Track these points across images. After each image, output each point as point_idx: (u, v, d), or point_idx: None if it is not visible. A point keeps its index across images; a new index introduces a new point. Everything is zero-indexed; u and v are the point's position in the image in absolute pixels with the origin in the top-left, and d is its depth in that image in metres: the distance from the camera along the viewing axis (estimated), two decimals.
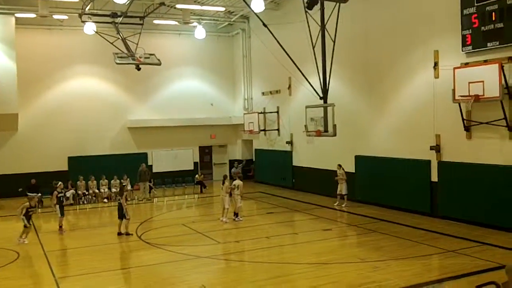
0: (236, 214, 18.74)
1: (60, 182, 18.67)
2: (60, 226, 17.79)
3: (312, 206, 21.44)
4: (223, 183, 18.77)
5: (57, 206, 17.84)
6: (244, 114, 29.59)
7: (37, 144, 26.94)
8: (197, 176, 27.67)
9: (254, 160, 30.58)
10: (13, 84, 24.90)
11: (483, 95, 14.98)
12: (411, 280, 11.15)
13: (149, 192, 25.55)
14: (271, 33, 19.03)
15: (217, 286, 11.63)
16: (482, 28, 15.63)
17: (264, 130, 28.23)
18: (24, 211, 16.12)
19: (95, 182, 24.97)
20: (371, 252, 13.88)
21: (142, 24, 24.24)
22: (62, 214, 17.85)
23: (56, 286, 11.72)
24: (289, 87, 26.17)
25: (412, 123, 18.73)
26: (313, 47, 18.45)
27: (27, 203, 16.34)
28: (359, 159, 21.46)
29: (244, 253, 14.58)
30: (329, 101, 18.51)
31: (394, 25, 19.46)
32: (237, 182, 18.83)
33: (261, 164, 29.52)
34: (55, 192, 17.93)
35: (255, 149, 30.35)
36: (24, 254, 14.95)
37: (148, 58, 23.53)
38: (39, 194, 23.07)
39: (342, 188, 20.84)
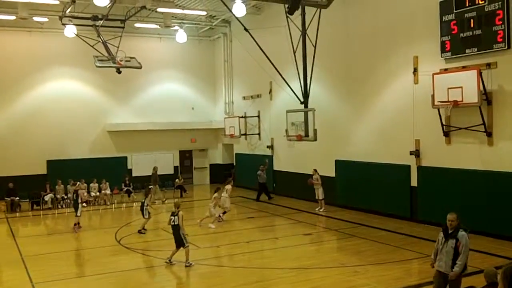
0: (224, 213, 19.47)
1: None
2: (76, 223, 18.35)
3: (293, 211, 21.46)
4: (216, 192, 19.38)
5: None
6: (225, 118, 29.54)
7: (16, 147, 26.51)
8: (177, 180, 27.52)
9: (234, 164, 30.52)
10: None
11: (462, 100, 15.13)
12: (391, 284, 11.22)
13: (129, 197, 25.41)
14: (252, 37, 19.04)
15: None
16: (461, 34, 15.82)
17: (245, 134, 28.23)
18: None
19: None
20: (351, 256, 13.93)
21: (123, 27, 24.07)
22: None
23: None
24: (270, 91, 26.21)
25: (392, 128, 18.87)
26: (294, 52, 18.52)
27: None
28: (339, 164, 21.56)
29: (224, 258, 14.54)
30: (310, 106, 18.57)
31: (374, 31, 19.62)
32: (229, 186, 19.91)
33: (241, 168, 29.47)
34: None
35: (236, 153, 30.31)
36: (1, 258, 14.69)
37: (129, 61, 23.37)
38: (17, 198, 22.80)
39: (318, 193, 20.98)
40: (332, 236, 16.96)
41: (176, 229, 13.25)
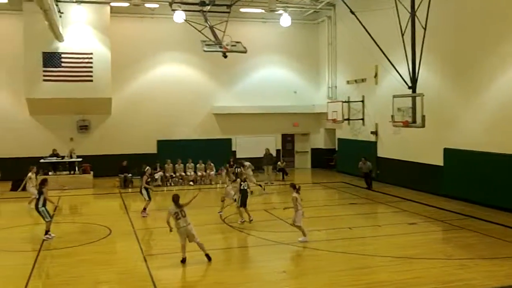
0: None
1: (148, 167, 19.14)
2: (144, 209, 18.23)
3: (396, 199, 20.95)
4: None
5: (145, 190, 18.31)
6: (328, 102, 29.31)
7: (129, 127, 28.28)
8: (279, 163, 27.84)
9: (336, 149, 30.28)
10: (107, 70, 26.34)
11: None
12: (501, 281, 10.64)
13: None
14: (358, 20, 18.71)
15: (297, 273, 11.74)
16: None
17: (348, 119, 27.85)
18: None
19: (182, 165, 25.87)
20: (458, 249, 13.39)
21: (229, 12, 24.57)
22: (150, 198, 18.34)
23: (145, 262, 12.30)
24: (376, 75, 25.59)
25: (508, 116, 17.72)
26: (402, 35, 17.93)
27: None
28: (448, 152, 20.65)
29: (325, 242, 14.52)
30: (417, 91, 17.96)
31: (488, 12, 18.45)
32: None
33: (344, 154, 29.17)
34: (145, 177, 18.41)
35: (338, 139, 30.04)
36: (116, 231, 15.77)
37: (235, 46, 23.80)
38: (130, 175, 24.32)
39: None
40: (438, 227, 16.37)
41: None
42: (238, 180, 17.12)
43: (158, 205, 20.09)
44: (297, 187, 14.39)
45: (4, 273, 12.00)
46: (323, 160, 31.33)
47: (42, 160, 24.81)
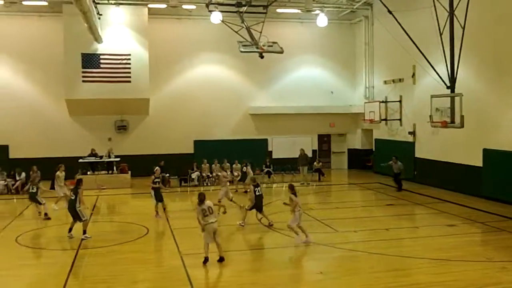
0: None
1: (157, 168, 19.09)
2: (156, 212, 18.06)
3: (435, 200, 20.61)
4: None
5: (152, 191, 18.07)
6: (365, 103, 29.04)
7: (166, 127, 28.65)
8: (315, 163, 27.74)
9: (374, 150, 29.96)
10: (145, 71, 26.73)
11: None
12: None
13: (269, 177, 26.23)
14: (395, 19, 18.48)
15: (335, 274, 11.65)
16: None
17: (386, 119, 27.53)
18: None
19: (218, 165, 26.03)
20: (499, 251, 13.09)
21: (265, 13, 24.58)
22: (157, 199, 17.97)
23: (181, 261, 12.44)
24: (413, 75, 25.20)
25: None
26: (441, 34, 17.63)
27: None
28: (487, 153, 20.18)
29: (362, 243, 14.39)
30: (456, 91, 17.62)
31: None
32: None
33: (381, 154, 28.83)
34: (152, 177, 18.25)
35: (375, 139, 29.72)
36: (153, 230, 16.00)
37: (271, 46, 23.81)
38: (167, 175, 24.65)
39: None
40: (478, 229, 16.01)
41: None
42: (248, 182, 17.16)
43: (195, 205, 20.24)
44: (295, 188, 14.39)
45: (44, 270, 12.33)
46: (360, 160, 31.05)
47: (81, 160, 25.39)
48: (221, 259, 12.21)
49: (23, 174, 24.11)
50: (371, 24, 29.56)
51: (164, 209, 18.09)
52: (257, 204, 16.06)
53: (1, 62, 27.32)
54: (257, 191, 16.13)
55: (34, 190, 18.06)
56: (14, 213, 19.25)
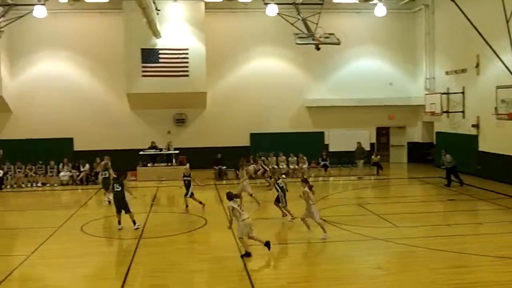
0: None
1: (187, 164, 19.62)
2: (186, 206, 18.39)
3: (500, 196, 19.78)
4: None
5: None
6: (425, 94, 28.21)
7: (223, 120, 28.93)
8: (373, 157, 27.27)
9: (435, 143, 29.12)
10: (202, 65, 27.07)
11: None
12: None
13: (325, 171, 26.00)
14: (458, 7, 17.84)
15: (394, 269, 11.43)
16: None
17: (447, 112, 26.66)
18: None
19: (274, 158, 26.05)
20: None
21: (322, 4, 24.35)
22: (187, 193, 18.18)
23: (239, 253, 12.51)
24: (477, 65, 24.24)
25: None
26: (507, 21, 16.89)
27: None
28: None
29: (422, 239, 13.96)
30: None
31: None
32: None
33: (442, 147, 27.95)
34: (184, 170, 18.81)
35: (437, 132, 28.87)
36: (211, 221, 16.19)
37: (328, 37, 23.58)
38: (224, 167, 24.93)
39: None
40: None
41: None
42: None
43: (252, 197, 20.36)
44: (309, 182, 14.28)
45: (108, 258, 12.76)
46: (420, 154, 30.25)
47: (141, 153, 26.07)
48: (247, 255, 12.19)
49: (87, 166, 24.99)
50: (431, 12, 28.66)
51: (201, 203, 18.19)
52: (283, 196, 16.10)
53: (65, 58, 28.34)
54: (279, 183, 16.19)
55: (107, 175, 19.08)
56: (79, 202, 19.95)
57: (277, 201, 16.34)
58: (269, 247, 12.31)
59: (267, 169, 24.12)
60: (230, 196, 12.57)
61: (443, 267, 11.30)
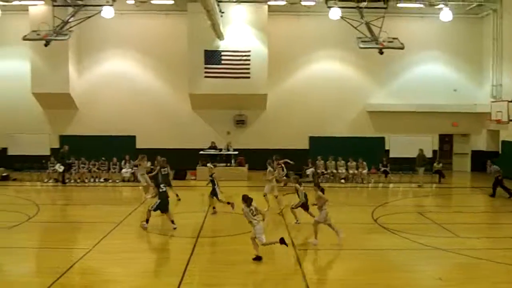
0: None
1: (210, 165, 19.40)
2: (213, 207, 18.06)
3: None
4: None
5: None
6: (491, 102, 27.31)
7: (282, 122, 29.04)
8: (435, 164, 26.56)
9: (500, 152, 28.06)
10: (264, 67, 27.29)
11: None
12: None
13: (385, 177, 25.60)
14: None
15: (455, 281, 11.10)
16: None
17: None
18: None
19: (333, 162, 25.88)
20: None
21: (386, 8, 24.01)
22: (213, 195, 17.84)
23: (296, 256, 12.58)
24: None
25: None
26: None
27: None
28: None
29: (485, 251, 13.47)
30: None
31: None
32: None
33: (508, 157, 26.95)
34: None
35: (503, 141, 27.82)
36: (268, 222, 16.22)
37: (392, 42, 23.29)
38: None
39: None
40: None
41: None
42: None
43: (311, 201, 20.23)
44: (321, 187, 14.14)
45: (166, 255, 13.07)
46: (484, 163, 29.18)
47: (201, 152, 26.50)
48: (257, 258, 12.21)
49: (149, 163, 25.58)
50: (500, 17, 27.69)
51: (230, 203, 17.90)
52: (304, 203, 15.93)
53: (130, 58, 29.26)
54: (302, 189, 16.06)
55: (166, 172, 19.86)
56: (139, 199, 20.51)
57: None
58: (285, 243, 12.34)
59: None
60: (246, 199, 12.65)
61: (507, 281, 10.92)
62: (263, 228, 12.34)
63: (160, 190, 15.68)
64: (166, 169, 20.34)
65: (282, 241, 12.28)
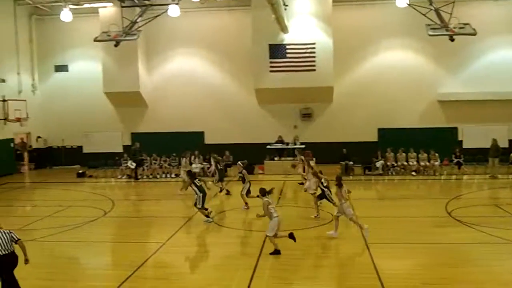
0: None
1: (240, 163, 18.92)
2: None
3: None
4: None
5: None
6: None
7: (349, 115, 28.65)
8: (511, 155, 25.29)
9: None
10: (329, 59, 26.95)
11: None
12: None
13: (459, 169, 24.66)
14: None
15: None
16: None
17: None
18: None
19: (403, 154, 25.26)
20: None
21: None
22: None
23: (367, 250, 12.37)
24: None
25: None
26: None
27: None
28: None
29: None
30: None
31: None
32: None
33: None
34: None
35: None
36: (341, 217, 16.03)
37: (463, 28, 22.34)
38: (351, 162, 24.70)
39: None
40: None
41: None
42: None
43: (381, 194, 19.94)
44: (341, 180, 13.80)
45: (236, 249, 13.19)
46: None
47: (268, 146, 26.59)
48: (276, 252, 12.16)
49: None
50: None
51: (246, 204, 17.78)
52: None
53: (196, 55, 29.83)
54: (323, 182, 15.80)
55: (222, 167, 20.83)
56: (209, 194, 20.81)
57: (319, 198, 16.07)
58: (294, 239, 12.29)
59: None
60: (264, 192, 12.59)
61: None
62: (278, 224, 12.29)
63: (198, 184, 15.92)
64: (219, 164, 21.32)
65: (291, 235, 12.32)
